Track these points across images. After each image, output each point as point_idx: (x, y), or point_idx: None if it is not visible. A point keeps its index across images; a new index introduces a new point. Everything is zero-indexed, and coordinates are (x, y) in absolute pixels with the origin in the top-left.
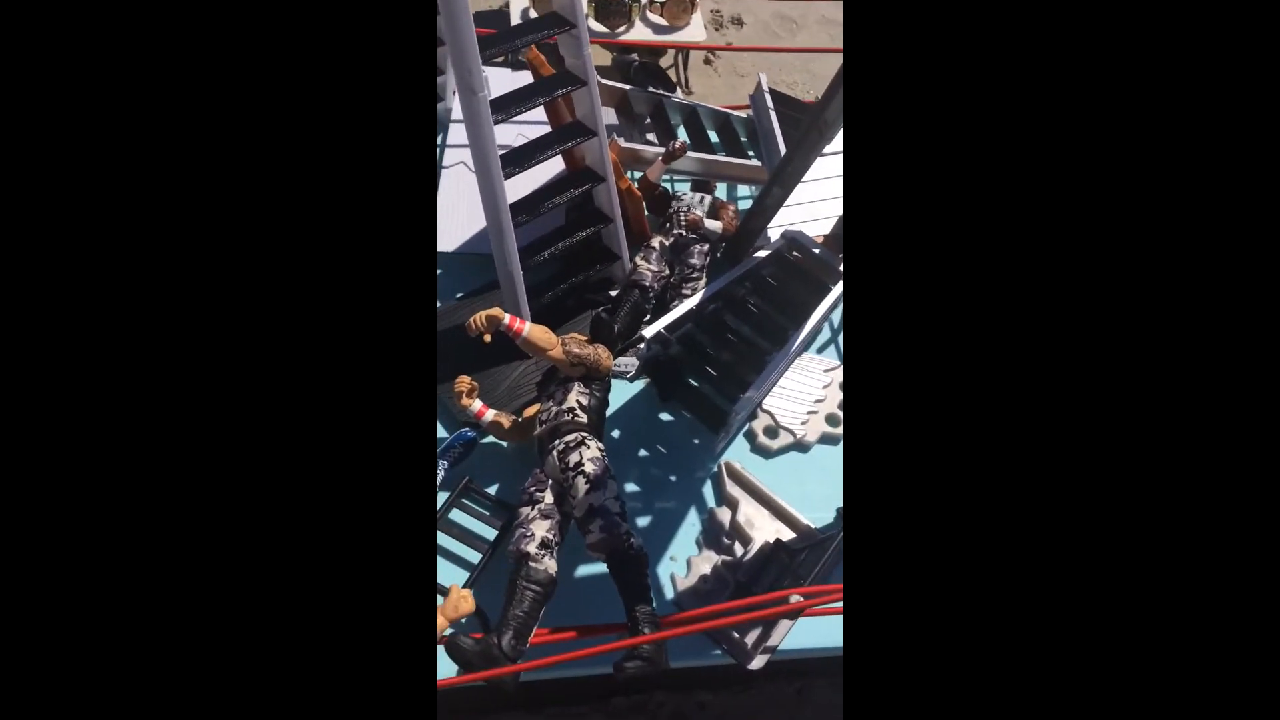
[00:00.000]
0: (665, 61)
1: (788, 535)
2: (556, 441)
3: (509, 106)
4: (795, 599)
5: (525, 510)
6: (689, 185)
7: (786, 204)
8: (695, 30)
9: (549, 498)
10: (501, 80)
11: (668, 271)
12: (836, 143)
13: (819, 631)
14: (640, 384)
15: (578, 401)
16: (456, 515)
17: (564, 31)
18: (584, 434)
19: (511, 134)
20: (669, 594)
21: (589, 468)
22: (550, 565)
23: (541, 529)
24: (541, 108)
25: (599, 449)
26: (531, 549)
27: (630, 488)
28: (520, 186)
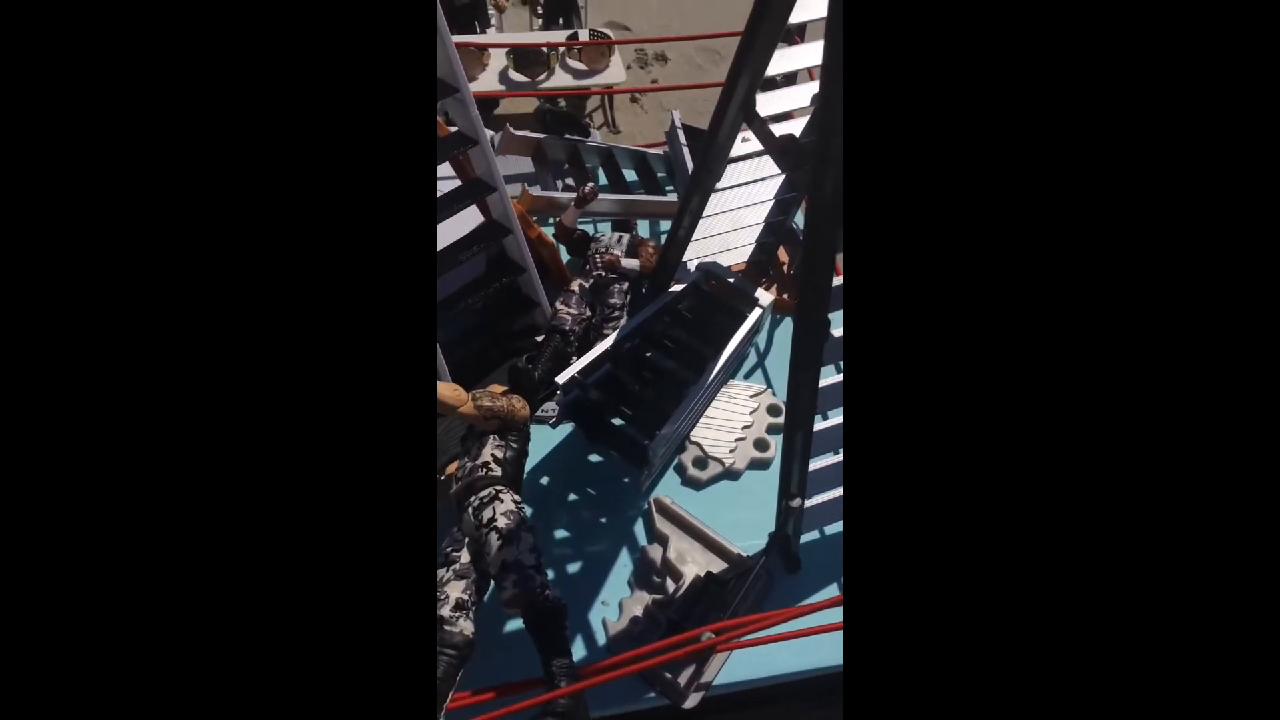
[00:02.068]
0: (593, 103)
1: (720, 567)
2: (472, 498)
3: None
4: (707, 636)
5: (441, 573)
6: (610, 226)
7: (701, 236)
8: (615, 71)
9: (465, 557)
10: None
11: (589, 314)
12: (745, 172)
13: (767, 661)
14: (567, 429)
15: (492, 455)
16: None
17: (449, 96)
18: (498, 488)
19: None
20: (602, 640)
21: (502, 522)
22: (466, 627)
23: (456, 590)
24: (448, 164)
25: (514, 501)
26: (445, 612)
27: (560, 534)
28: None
